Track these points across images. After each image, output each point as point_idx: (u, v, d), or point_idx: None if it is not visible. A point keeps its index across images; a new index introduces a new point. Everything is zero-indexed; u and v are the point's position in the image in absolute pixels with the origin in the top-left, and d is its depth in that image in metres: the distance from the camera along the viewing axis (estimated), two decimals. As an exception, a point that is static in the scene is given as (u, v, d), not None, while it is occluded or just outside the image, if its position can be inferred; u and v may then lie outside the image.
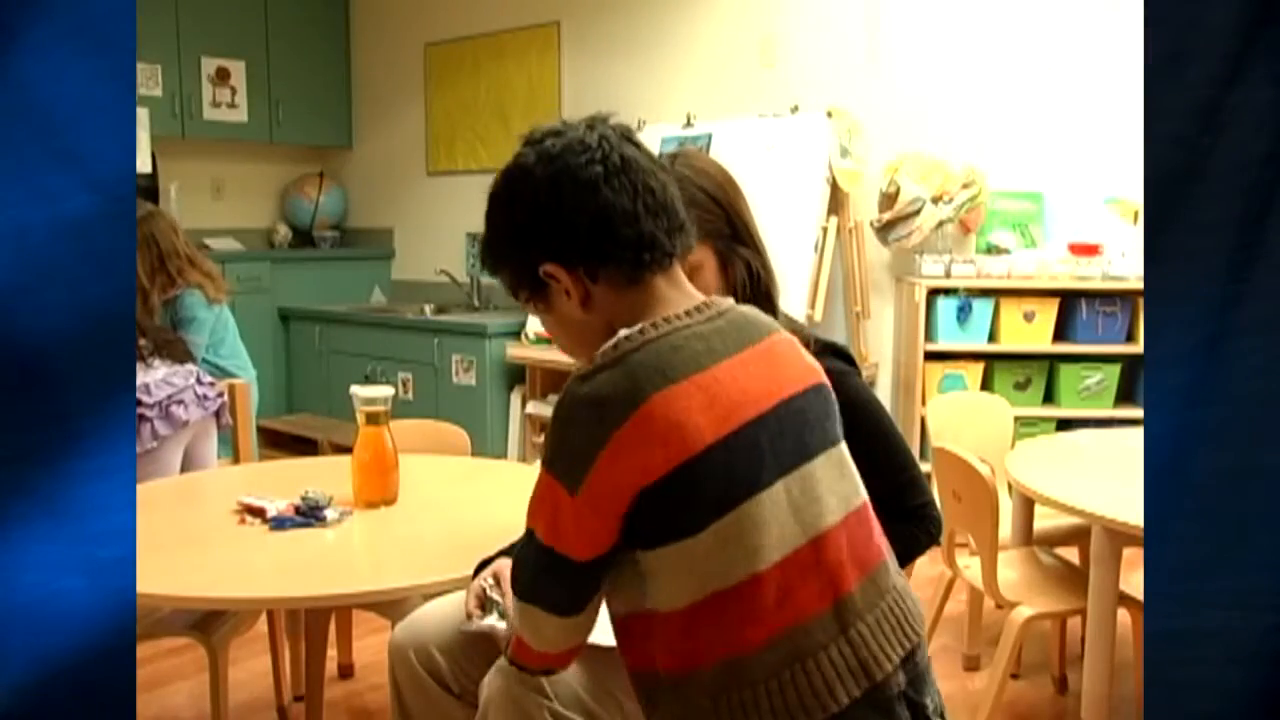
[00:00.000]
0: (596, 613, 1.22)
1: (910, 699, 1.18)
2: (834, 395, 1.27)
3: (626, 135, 1.23)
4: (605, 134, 1.20)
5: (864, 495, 1.25)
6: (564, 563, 1.15)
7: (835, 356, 1.59)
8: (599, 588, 1.19)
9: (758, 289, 1.59)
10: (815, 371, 1.25)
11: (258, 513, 1.95)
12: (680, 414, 1.09)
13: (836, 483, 1.21)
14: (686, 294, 1.24)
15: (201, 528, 2.01)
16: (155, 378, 2.82)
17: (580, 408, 1.11)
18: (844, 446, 1.25)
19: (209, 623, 2.10)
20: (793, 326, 1.63)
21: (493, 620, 1.53)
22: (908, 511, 1.53)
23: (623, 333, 1.15)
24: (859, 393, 1.58)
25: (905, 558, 1.56)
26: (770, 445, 1.14)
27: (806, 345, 1.58)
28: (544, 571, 1.17)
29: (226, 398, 3.02)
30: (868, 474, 1.31)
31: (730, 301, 1.25)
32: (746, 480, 1.12)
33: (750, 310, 1.26)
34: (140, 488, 2.16)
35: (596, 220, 1.17)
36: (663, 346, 1.13)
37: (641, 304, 1.20)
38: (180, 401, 2.84)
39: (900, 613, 1.20)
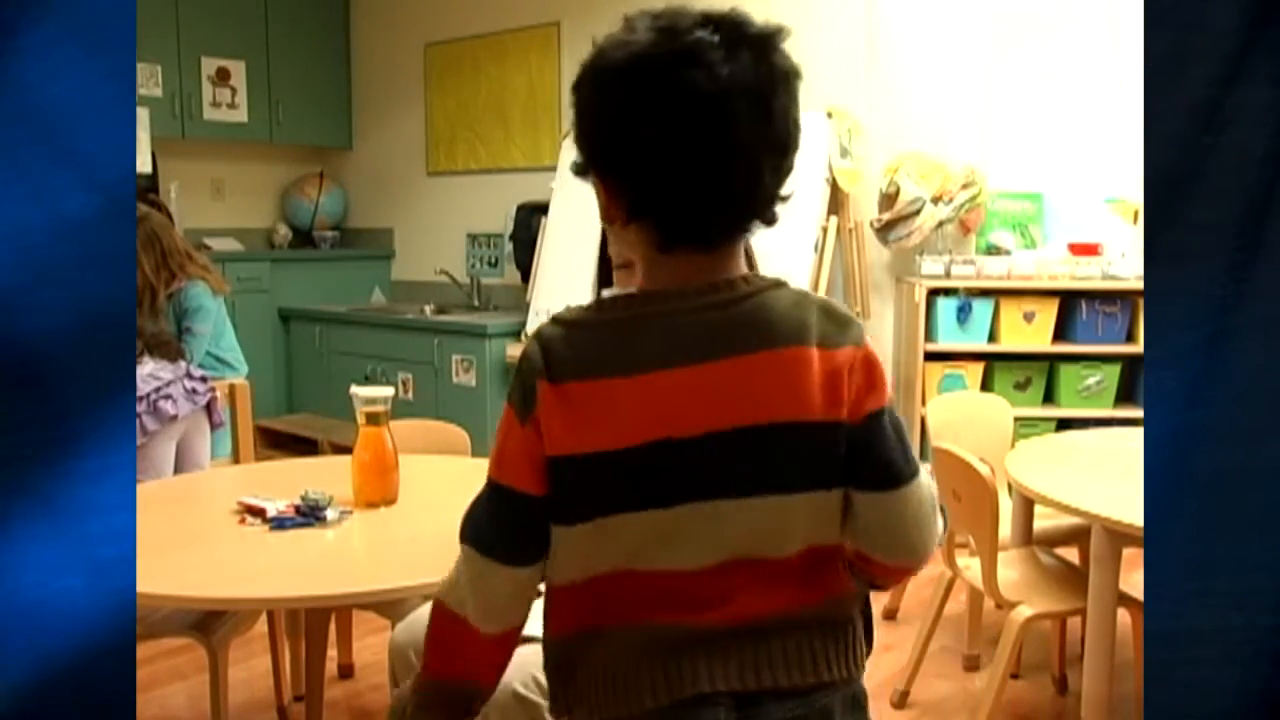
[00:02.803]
0: (537, 584, 1.14)
1: None
2: (839, 437, 1.07)
3: None
4: None
5: (800, 549, 1.10)
6: (510, 497, 1.09)
7: None
8: (546, 540, 1.10)
9: None
10: (823, 405, 1.05)
11: (258, 513, 1.95)
12: (591, 409, 1.04)
13: (771, 530, 1.08)
14: (716, 267, 1.09)
15: (201, 528, 2.01)
16: (142, 373, 2.82)
17: (535, 344, 1.07)
18: (810, 498, 1.09)
19: (209, 623, 2.10)
20: None
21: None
22: None
23: (606, 294, 1.14)
24: None
25: None
26: (682, 470, 1.05)
27: None
28: (497, 515, 1.11)
29: (217, 394, 3.02)
30: None
31: (770, 284, 1.09)
32: (631, 496, 1.05)
33: (780, 308, 1.07)
34: (140, 488, 2.17)
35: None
36: (621, 333, 1.07)
37: (669, 271, 1.09)
38: (169, 396, 2.84)
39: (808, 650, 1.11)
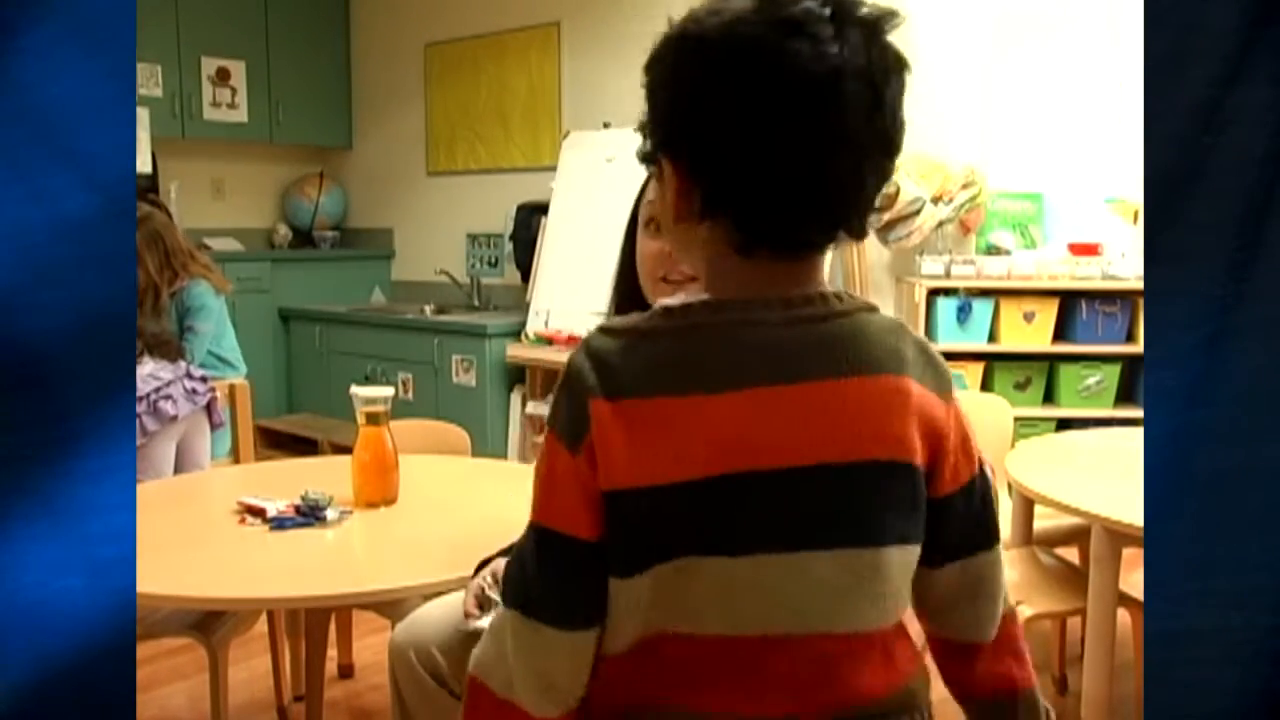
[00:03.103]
0: (594, 652, 0.95)
1: None
2: (939, 500, 0.97)
3: None
4: None
5: (890, 622, 0.97)
6: (562, 544, 0.91)
7: None
8: (605, 597, 0.92)
9: None
10: (919, 448, 0.93)
11: (258, 513, 1.95)
12: (658, 432, 0.88)
13: (853, 592, 0.92)
14: (801, 280, 0.94)
15: (201, 528, 2.01)
16: (141, 373, 2.83)
17: (583, 357, 0.92)
18: (901, 552, 0.95)
19: (209, 623, 2.10)
20: None
21: (490, 619, 1.53)
22: None
23: (677, 300, 0.94)
24: None
25: None
26: (759, 510, 0.89)
27: None
28: (545, 567, 0.93)
29: (217, 394, 3.02)
30: None
31: (865, 305, 0.96)
32: (700, 538, 0.89)
33: (873, 332, 0.93)
34: (140, 488, 2.17)
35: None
36: (699, 342, 0.91)
37: (742, 279, 0.94)
38: (169, 396, 2.84)
39: None
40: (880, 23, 0.89)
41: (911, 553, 0.96)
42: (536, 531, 0.94)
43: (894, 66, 0.90)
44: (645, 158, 0.97)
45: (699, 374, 0.89)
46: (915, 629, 1.04)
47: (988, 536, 1.02)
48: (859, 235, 0.93)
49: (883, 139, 0.89)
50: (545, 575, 0.93)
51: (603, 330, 0.93)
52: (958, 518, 0.98)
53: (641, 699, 0.95)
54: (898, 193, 4.00)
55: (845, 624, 0.93)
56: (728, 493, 0.88)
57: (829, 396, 0.90)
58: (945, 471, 0.95)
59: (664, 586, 0.90)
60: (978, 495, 1.00)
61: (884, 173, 0.91)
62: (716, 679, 0.92)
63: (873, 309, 0.96)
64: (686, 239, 0.96)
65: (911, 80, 0.91)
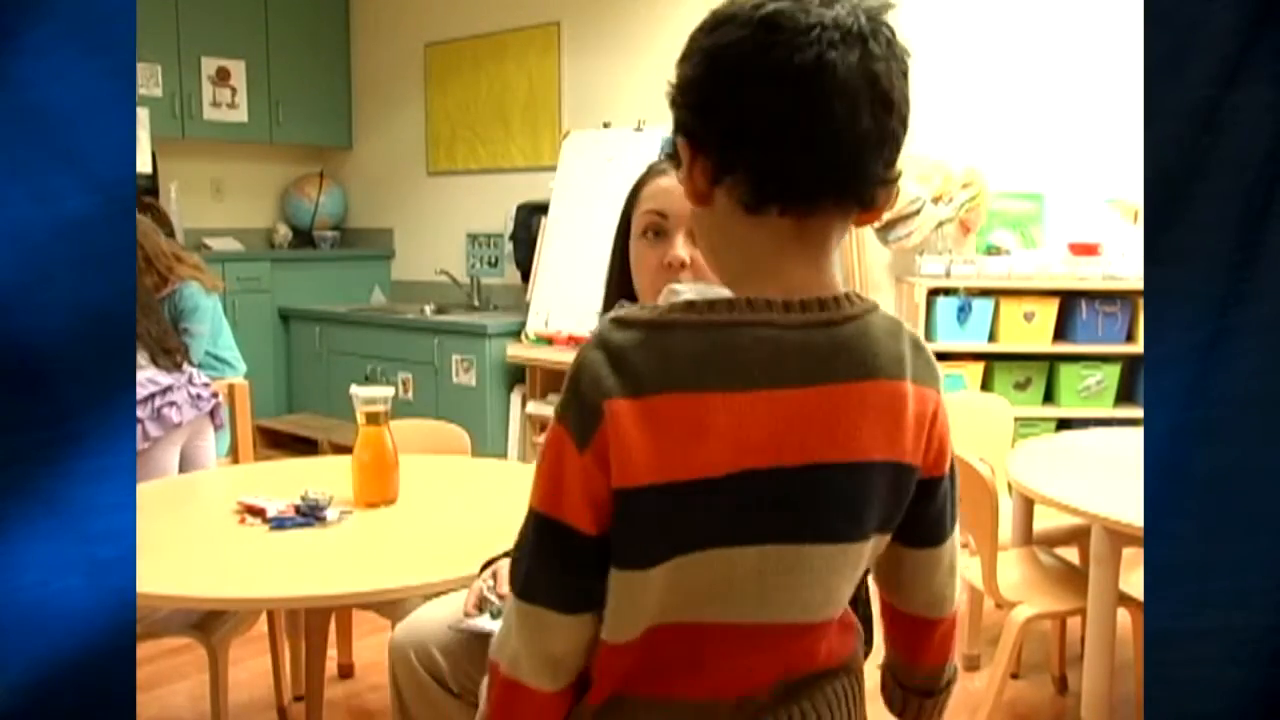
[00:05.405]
0: (595, 633, 0.99)
1: None
2: (914, 483, 1.02)
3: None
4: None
5: (843, 605, 1.06)
6: (566, 535, 0.94)
7: None
8: (604, 584, 0.95)
9: None
10: (910, 447, 0.99)
11: (258, 513, 1.96)
12: (684, 429, 0.90)
13: (841, 581, 1.01)
14: (812, 267, 0.99)
15: (201, 528, 2.01)
16: (140, 377, 2.82)
17: (598, 353, 0.92)
18: (878, 542, 1.03)
19: (209, 623, 2.10)
20: None
21: (484, 620, 1.53)
22: None
23: (694, 294, 0.96)
24: None
25: None
26: (770, 506, 0.94)
27: None
28: (545, 554, 0.96)
29: (221, 398, 3.02)
30: None
31: (871, 306, 1.01)
32: (716, 532, 0.94)
33: (879, 335, 0.99)
34: (141, 488, 2.17)
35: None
36: (721, 341, 0.92)
37: (754, 252, 0.97)
38: (173, 403, 2.83)
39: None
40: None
41: (884, 542, 1.04)
42: (537, 520, 0.96)
43: (883, 38, 0.93)
44: (671, 150, 1.02)
45: (719, 372, 0.91)
46: None
47: (955, 520, 1.10)
48: (866, 202, 0.97)
49: (879, 91, 0.92)
50: (544, 563, 0.96)
51: (617, 322, 0.93)
52: (939, 503, 1.06)
53: (633, 686, 0.99)
54: (898, 193, 4.00)
55: (830, 610, 1.02)
56: (744, 489, 0.92)
57: (839, 400, 0.94)
58: (931, 459, 1.02)
59: (676, 578, 0.93)
60: (948, 483, 1.07)
61: (885, 131, 0.94)
62: (708, 664, 0.99)
63: (876, 308, 1.01)
64: (703, 224, 1.00)
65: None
